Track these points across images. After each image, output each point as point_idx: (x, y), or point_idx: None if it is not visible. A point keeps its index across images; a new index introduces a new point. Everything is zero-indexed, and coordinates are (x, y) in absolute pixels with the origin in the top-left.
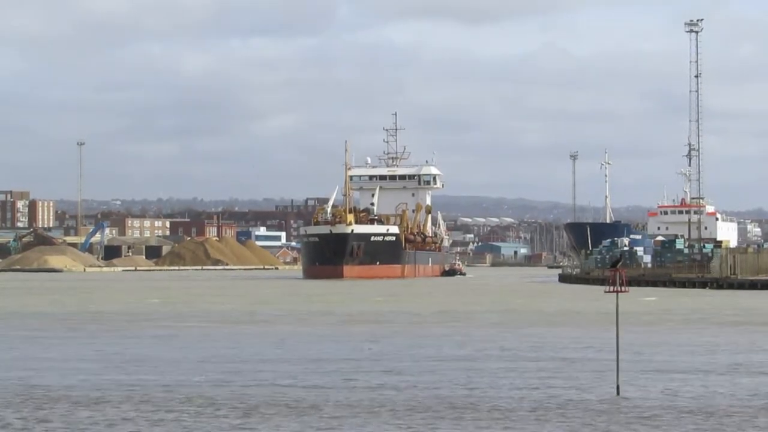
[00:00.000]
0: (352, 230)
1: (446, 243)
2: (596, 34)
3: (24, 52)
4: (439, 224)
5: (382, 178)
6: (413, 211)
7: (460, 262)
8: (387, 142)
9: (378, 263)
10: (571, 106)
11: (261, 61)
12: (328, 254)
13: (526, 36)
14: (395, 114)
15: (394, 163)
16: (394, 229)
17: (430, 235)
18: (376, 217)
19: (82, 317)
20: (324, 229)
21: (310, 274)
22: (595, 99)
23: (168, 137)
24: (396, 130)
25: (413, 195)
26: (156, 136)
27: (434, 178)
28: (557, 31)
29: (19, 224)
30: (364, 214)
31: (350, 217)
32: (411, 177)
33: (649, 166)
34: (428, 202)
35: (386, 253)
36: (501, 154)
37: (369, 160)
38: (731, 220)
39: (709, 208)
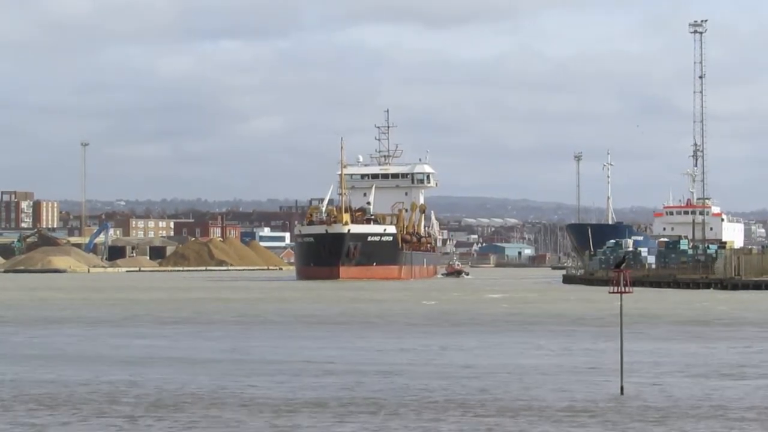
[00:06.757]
0: (349, 230)
1: (440, 243)
2: (565, 36)
3: None
4: (432, 224)
5: (375, 176)
6: (406, 210)
7: (459, 263)
8: (379, 140)
9: (375, 264)
10: (554, 107)
11: (237, 64)
12: (324, 255)
13: (495, 39)
14: (387, 111)
15: (387, 161)
16: (392, 229)
17: (424, 235)
18: (373, 217)
19: None
20: (320, 229)
21: (304, 275)
22: (578, 100)
23: (156, 139)
24: (388, 127)
25: (406, 194)
26: (144, 137)
27: (428, 177)
28: (526, 34)
29: (23, 225)
30: (359, 213)
31: (346, 217)
32: (404, 175)
33: (642, 167)
34: (421, 201)
35: (383, 253)
36: (492, 155)
37: (361, 158)
38: (737, 221)
39: (715, 209)
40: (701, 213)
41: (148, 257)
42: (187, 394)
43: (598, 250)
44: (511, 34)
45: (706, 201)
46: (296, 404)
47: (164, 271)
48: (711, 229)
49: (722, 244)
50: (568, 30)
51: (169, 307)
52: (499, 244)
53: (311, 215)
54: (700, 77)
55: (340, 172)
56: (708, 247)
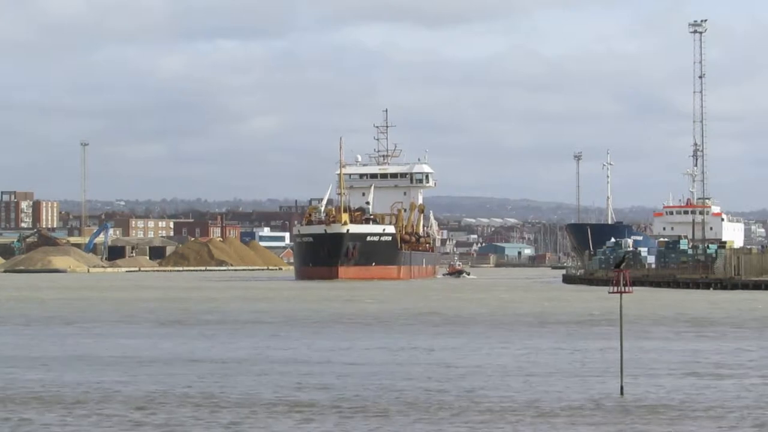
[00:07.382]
0: (348, 230)
1: (438, 243)
2: (560, 36)
3: None
4: (431, 224)
5: (374, 176)
6: (405, 210)
7: (460, 263)
8: (377, 139)
9: (374, 264)
10: (553, 106)
11: (234, 63)
12: (323, 255)
13: (491, 38)
14: (386, 111)
15: (385, 161)
16: (391, 229)
17: (423, 234)
18: (371, 217)
19: None
20: (318, 229)
21: (303, 275)
22: (576, 100)
23: (156, 139)
24: (387, 127)
25: (405, 194)
26: (143, 137)
27: (426, 176)
28: (521, 33)
29: (23, 225)
30: (358, 213)
31: (345, 217)
32: (403, 175)
33: (642, 166)
34: (420, 200)
35: (382, 253)
36: (492, 155)
37: (359, 158)
38: (737, 221)
39: (715, 209)
40: (701, 213)
41: (148, 257)
42: (176, 394)
43: (598, 250)
44: (506, 34)
45: (706, 201)
46: (283, 404)
47: (164, 271)
48: (711, 228)
49: (722, 244)
50: (563, 29)
51: (165, 308)
52: (499, 244)
53: (310, 215)
54: (700, 77)
55: (339, 172)
56: (708, 247)
